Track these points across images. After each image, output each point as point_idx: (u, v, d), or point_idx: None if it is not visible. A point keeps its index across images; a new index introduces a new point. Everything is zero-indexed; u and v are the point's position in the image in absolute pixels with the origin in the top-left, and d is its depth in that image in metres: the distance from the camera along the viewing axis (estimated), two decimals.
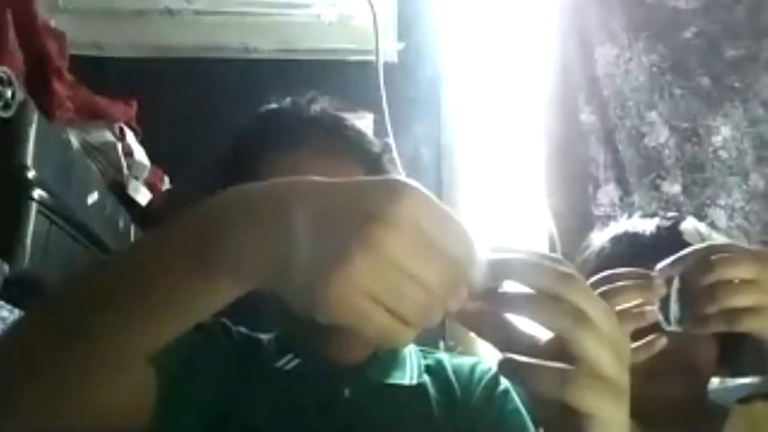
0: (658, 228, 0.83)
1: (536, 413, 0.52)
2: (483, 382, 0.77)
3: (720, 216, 1.58)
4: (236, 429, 0.67)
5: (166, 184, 1.49)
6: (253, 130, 0.81)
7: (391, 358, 0.77)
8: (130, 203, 1.29)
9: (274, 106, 0.83)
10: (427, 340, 1.12)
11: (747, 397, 0.78)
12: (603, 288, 0.56)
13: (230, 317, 0.77)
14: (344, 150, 0.77)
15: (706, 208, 1.58)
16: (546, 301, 0.39)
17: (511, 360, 0.40)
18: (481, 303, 0.41)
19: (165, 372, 0.58)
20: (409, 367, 0.77)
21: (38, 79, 1.03)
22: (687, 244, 0.63)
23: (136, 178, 1.31)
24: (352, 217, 0.36)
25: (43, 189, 0.89)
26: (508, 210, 1.66)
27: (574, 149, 1.67)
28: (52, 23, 1.32)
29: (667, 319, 0.60)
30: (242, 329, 0.80)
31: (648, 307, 0.58)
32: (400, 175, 0.83)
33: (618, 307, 0.56)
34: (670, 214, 0.87)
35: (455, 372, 0.78)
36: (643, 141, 1.64)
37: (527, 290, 0.40)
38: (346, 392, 0.72)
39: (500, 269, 0.40)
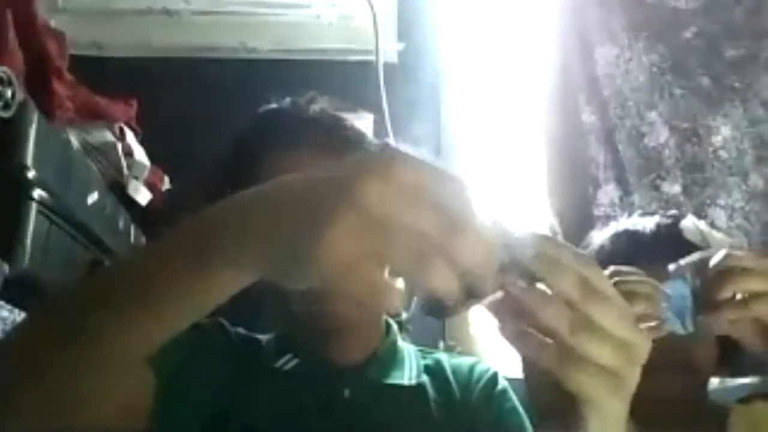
0: (658, 226, 0.83)
1: (533, 399, 0.52)
2: (482, 382, 0.77)
3: (720, 216, 1.57)
4: (236, 429, 0.67)
5: (166, 184, 1.49)
6: (252, 130, 0.81)
7: (390, 358, 0.78)
8: (130, 203, 1.29)
9: (273, 106, 0.83)
10: (427, 340, 1.13)
11: (747, 397, 0.78)
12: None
13: (228, 318, 0.77)
14: (344, 150, 0.77)
15: (706, 208, 1.58)
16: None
17: (514, 325, 0.40)
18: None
19: (163, 371, 0.58)
20: (408, 367, 0.77)
21: (38, 79, 1.03)
22: (687, 242, 0.64)
23: (136, 178, 1.31)
24: (340, 185, 0.36)
25: (43, 189, 0.89)
26: (508, 210, 1.66)
27: (575, 149, 1.67)
28: (52, 23, 1.33)
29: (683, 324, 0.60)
30: (240, 330, 0.80)
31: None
32: None
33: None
34: (670, 213, 0.87)
35: (454, 372, 0.78)
36: (643, 141, 1.64)
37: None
38: (346, 392, 0.72)
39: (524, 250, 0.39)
